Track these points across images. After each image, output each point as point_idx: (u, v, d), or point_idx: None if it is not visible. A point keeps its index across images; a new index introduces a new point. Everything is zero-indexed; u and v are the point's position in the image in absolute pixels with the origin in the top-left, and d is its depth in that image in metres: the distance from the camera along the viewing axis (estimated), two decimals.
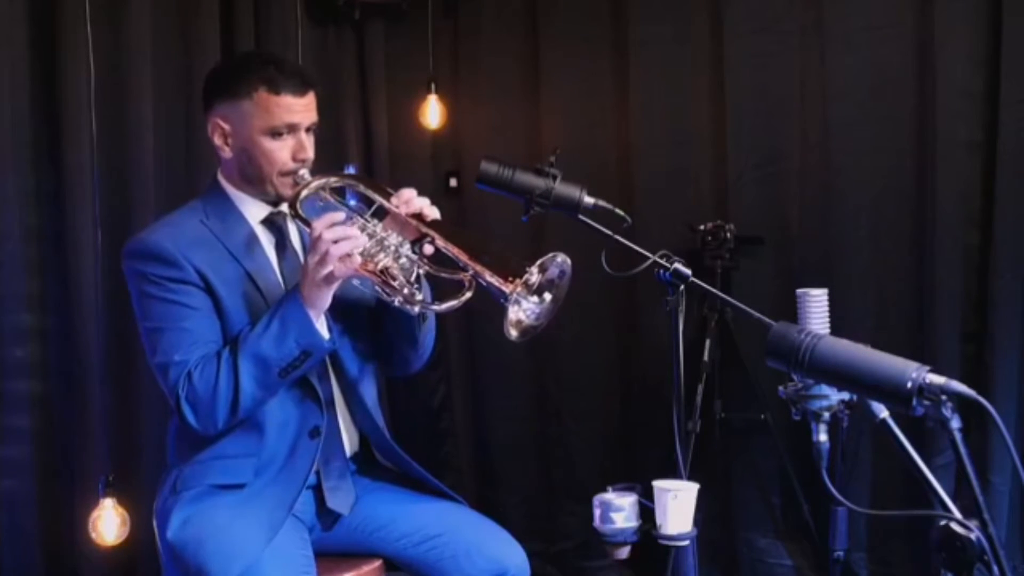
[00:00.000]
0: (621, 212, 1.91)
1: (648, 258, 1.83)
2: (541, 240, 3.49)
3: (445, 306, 1.88)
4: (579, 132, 3.46)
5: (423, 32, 3.61)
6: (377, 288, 1.89)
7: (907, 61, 3.05)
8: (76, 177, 2.81)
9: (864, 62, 3.09)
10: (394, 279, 1.88)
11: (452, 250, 1.87)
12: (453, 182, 3.69)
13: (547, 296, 1.84)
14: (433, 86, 3.57)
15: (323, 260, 1.82)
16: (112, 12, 2.90)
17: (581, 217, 1.93)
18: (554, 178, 1.92)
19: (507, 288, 1.78)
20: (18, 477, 2.76)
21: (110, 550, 2.69)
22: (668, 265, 1.82)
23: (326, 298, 1.88)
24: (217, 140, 2.02)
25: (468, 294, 1.85)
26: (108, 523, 2.62)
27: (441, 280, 1.93)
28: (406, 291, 1.87)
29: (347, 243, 1.83)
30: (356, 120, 3.65)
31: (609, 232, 1.89)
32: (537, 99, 3.55)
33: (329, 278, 1.84)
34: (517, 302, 1.80)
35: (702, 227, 3.16)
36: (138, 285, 1.97)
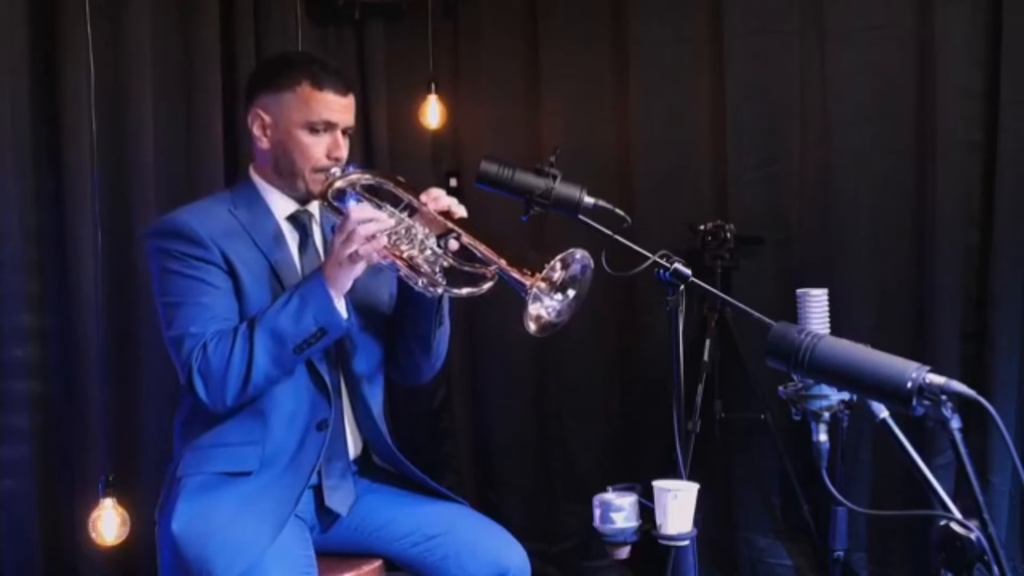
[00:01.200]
0: (621, 212, 1.91)
1: (648, 258, 1.84)
2: (541, 240, 3.50)
3: (466, 291, 1.90)
4: (579, 132, 3.46)
5: (423, 32, 3.61)
6: (401, 271, 1.92)
7: (907, 61, 3.05)
8: (76, 177, 2.81)
9: (864, 62, 3.09)
10: (419, 267, 1.91)
11: (477, 246, 1.90)
12: (453, 182, 3.69)
13: (570, 292, 1.86)
14: (433, 86, 3.57)
15: (349, 238, 1.86)
16: (112, 12, 2.90)
17: (581, 217, 1.93)
18: (554, 178, 1.92)
19: (527, 281, 1.80)
20: (18, 477, 2.76)
21: (110, 550, 2.69)
22: (668, 265, 1.82)
23: (348, 279, 1.90)
24: (256, 130, 2.06)
25: (489, 283, 1.88)
26: (108, 523, 2.62)
27: (460, 278, 1.95)
28: (429, 276, 1.90)
29: (374, 224, 1.87)
30: (356, 120, 3.62)
31: (609, 232, 1.90)
32: (537, 99, 3.55)
33: (354, 257, 1.86)
34: (539, 298, 1.82)
35: (702, 227, 3.16)
36: (160, 262, 1.98)
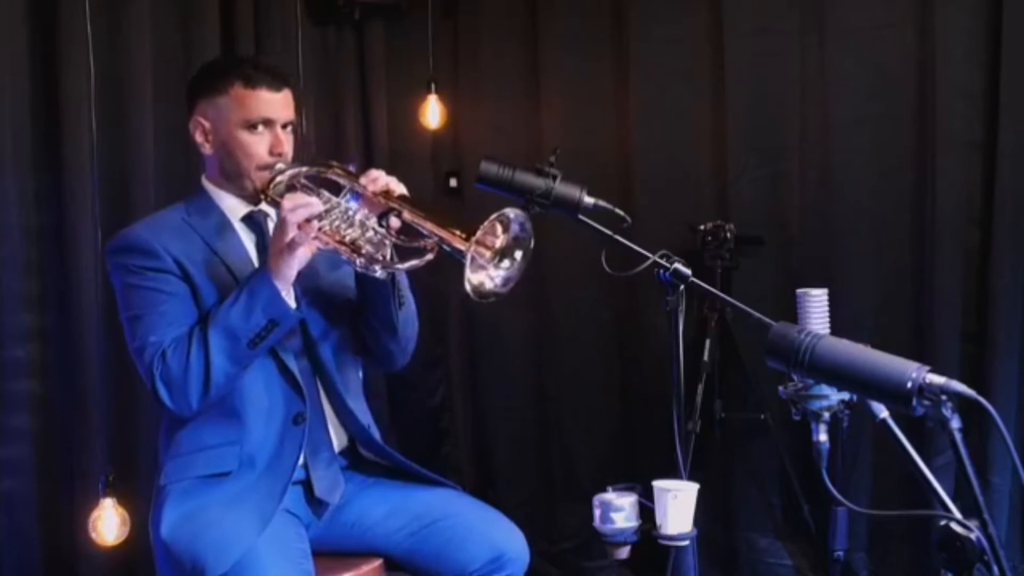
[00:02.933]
0: (621, 212, 1.91)
1: (648, 258, 1.84)
2: (541, 240, 3.48)
3: (407, 265, 1.92)
4: (579, 132, 3.46)
5: (423, 32, 3.61)
6: (343, 255, 1.94)
7: (907, 61, 3.05)
8: (76, 177, 2.81)
9: (864, 62, 3.09)
10: (360, 248, 1.92)
11: (419, 222, 1.91)
12: (453, 182, 3.69)
13: (518, 254, 1.89)
14: (433, 86, 3.57)
15: (282, 227, 1.88)
16: (112, 12, 2.89)
17: (581, 217, 1.93)
18: (554, 178, 1.92)
19: (464, 247, 1.82)
20: (18, 477, 2.76)
21: (110, 550, 2.69)
22: (668, 265, 1.82)
23: (291, 268, 1.91)
24: (198, 138, 2.10)
25: (430, 255, 1.90)
26: (108, 523, 2.62)
27: (410, 254, 1.96)
28: (369, 256, 1.92)
29: (303, 209, 1.88)
30: (356, 120, 3.65)
31: (609, 232, 1.90)
32: (537, 99, 3.55)
33: (292, 245, 1.88)
34: (483, 267, 1.86)
35: (702, 227, 3.16)
36: (120, 278, 2.02)
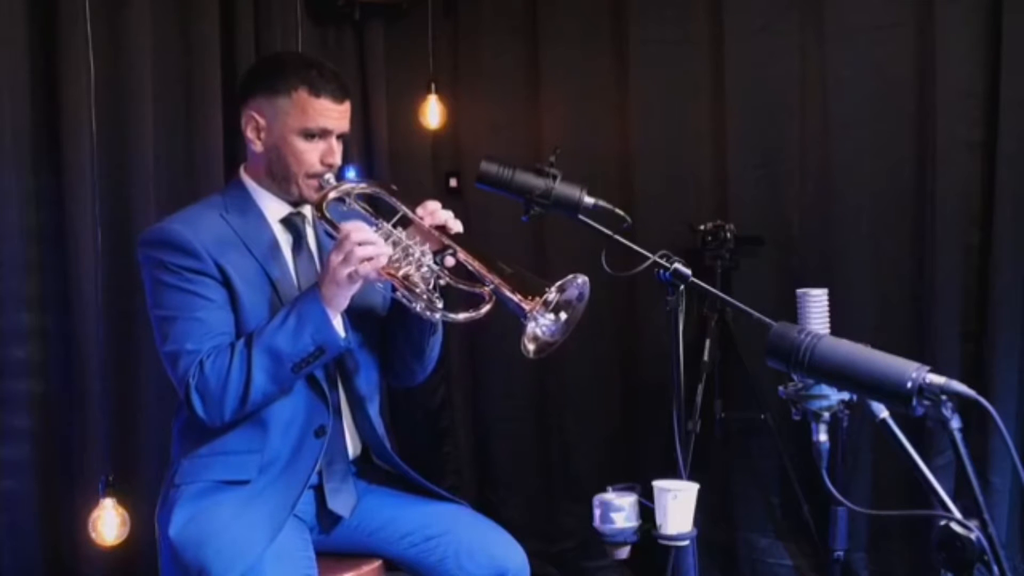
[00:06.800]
0: (621, 212, 1.92)
1: (648, 258, 1.84)
2: (541, 240, 3.50)
3: (463, 316, 1.89)
4: (579, 132, 3.46)
5: (423, 32, 3.61)
6: (398, 293, 1.91)
7: (907, 61, 3.05)
8: (76, 177, 2.81)
9: (864, 62, 3.09)
10: (415, 286, 1.89)
11: (474, 263, 1.88)
12: (453, 182, 3.69)
13: (562, 316, 1.85)
14: (433, 86, 3.57)
15: (346, 260, 1.84)
16: (112, 12, 2.90)
17: (581, 217, 1.93)
18: (554, 178, 1.92)
19: (527, 305, 1.79)
20: (18, 477, 2.76)
21: (110, 550, 2.69)
22: (668, 265, 1.83)
23: (344, 298, 1.89)
24: (249, 133, 2.04)
25: (487, 307, 1.87)
26: (108, 523, 2.62)
27: (455, 293, 1.93)
28: (427, 298, 1.89)
29: (371, 247, 1.85)
30: (356, 120, 3.64)
31: (609, 232, 1.90)
32: (537, 99, 3.55)
33: (351, 278, 1.85)
34: (534, 318, 1.81)
35: (702, 227, 3.16)
36: (153, 273, 1.96)
